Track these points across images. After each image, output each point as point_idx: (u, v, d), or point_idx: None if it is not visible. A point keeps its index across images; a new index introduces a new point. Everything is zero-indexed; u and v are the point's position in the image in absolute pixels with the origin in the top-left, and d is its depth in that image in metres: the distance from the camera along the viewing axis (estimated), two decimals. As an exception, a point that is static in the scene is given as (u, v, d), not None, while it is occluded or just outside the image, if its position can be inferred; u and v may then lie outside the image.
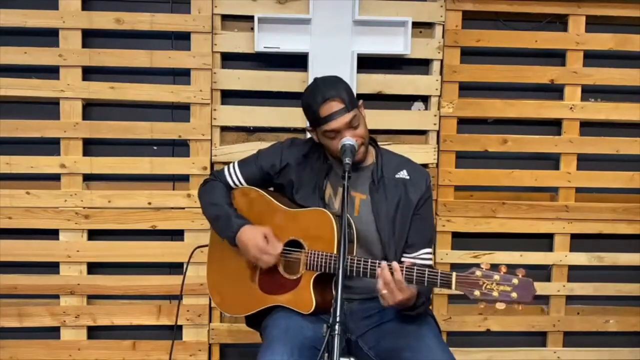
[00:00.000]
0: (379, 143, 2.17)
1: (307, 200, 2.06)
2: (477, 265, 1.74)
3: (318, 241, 1.95)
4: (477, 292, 1.71)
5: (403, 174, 2.09)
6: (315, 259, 1.94)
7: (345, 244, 1.75)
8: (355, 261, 1.88)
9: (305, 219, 2.01)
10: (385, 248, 2.01)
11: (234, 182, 2.17)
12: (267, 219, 2.04)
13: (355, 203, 2.05)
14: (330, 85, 2.01)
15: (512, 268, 2.94)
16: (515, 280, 1.70)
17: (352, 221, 1.97)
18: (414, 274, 1.80)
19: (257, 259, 2.00)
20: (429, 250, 2.08)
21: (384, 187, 2.05)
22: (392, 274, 1.79)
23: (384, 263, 1.82)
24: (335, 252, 1.91)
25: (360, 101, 2.06)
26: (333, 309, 1.61)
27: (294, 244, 2.02)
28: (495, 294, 1.70)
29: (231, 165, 2.20)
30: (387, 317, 2.01)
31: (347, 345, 1.99)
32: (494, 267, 1.74)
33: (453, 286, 1.75)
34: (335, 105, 1.95)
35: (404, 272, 1.80)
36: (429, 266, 2.02)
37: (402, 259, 2.03)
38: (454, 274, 1.75)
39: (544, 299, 2.96)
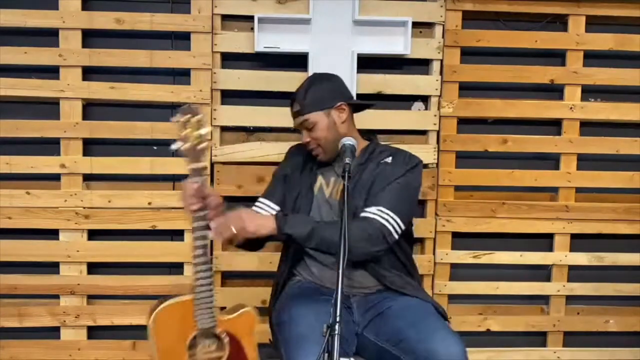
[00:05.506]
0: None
1: (297, 187, 2.16)
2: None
3: None
4: None
5: (387, 160, 2.15)
6: None
7: (345, 243, 1.73)
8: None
9: None
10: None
11: (265, 211, 2.19)
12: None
13: (339, 188, 2.13)
14: (302, 86, 2.17)
15: (512, 269, 2.95)
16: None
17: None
18: None
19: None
20: (383, 209, 1.99)
21: (364, 170, 2.11)
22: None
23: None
24: None
25: (339, 103, 2.12)
26: (333, 309, 1.60)
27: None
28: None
29: (255, 203, 2.22)
30: (387, 304, 2.05)
31: (356, 339, 2.05)
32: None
33: None
34: (293, 107, 2.16)
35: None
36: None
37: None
38: None
39: (544, 299, 2.97)
